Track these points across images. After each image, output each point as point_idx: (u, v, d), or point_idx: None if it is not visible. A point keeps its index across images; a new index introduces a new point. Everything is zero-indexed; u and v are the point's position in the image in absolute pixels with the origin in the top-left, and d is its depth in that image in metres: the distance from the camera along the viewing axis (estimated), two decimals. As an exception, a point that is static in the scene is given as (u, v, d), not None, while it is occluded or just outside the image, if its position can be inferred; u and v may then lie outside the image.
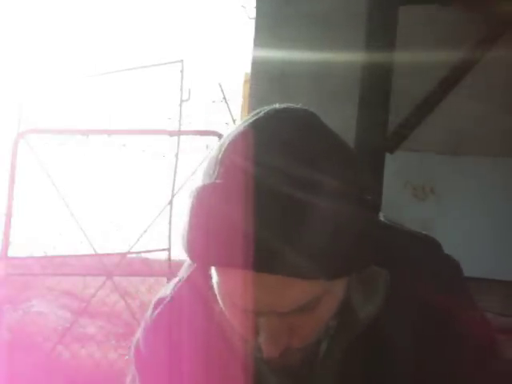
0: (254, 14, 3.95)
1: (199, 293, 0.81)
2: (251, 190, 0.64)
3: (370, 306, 0.78)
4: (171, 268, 4.13)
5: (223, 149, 0.70)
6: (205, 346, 0.83)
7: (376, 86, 2.46)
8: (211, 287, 0.74)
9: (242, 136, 0.70)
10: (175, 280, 0.90)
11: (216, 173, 0.68)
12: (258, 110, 0.73)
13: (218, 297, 0.73)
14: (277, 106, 0.73)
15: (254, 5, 3.93)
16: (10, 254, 3.66)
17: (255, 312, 0.69)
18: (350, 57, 2.86)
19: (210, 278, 0.75)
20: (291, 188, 0.64)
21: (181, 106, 5.65)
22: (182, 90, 5.65)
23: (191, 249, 0.69)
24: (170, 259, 4.44)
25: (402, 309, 0.79)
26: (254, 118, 0.71)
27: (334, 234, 0.64)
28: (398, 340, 0.80)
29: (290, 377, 0.81)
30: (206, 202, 0.67)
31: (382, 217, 0.88)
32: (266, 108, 0.73)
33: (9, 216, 3.53)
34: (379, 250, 0.75)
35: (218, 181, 0.67)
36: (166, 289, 0.91)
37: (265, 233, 0.63)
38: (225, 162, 0.68)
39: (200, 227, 0.67)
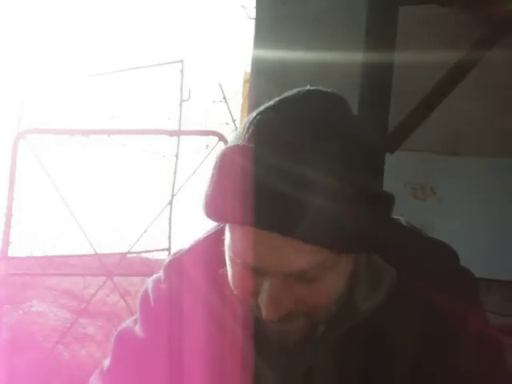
0: (253, 14, 3.96)
1: (207, 257, 0.88)
2: (272, 153, 0.69)
3: (372, 300, 0.81)
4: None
5: (254, 114, 0.75)
6: (208, 309, 0.87)
7: (376, 86, 2.46)
8: (220, 253, 0.80)
9: (272, 109, 0.74)
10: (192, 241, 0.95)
11: (243, 136, 0.73)
12: (295, 90, 0.78)
13: (227, 256, 0.77)
14: (309, 87, 0.78)
15: (254, 5, 3.93)
16: (10, 253, 3.66)
17: (261, 271, 0.72)
18: (349, 57, 2.86)
19: (221, 243, 0.80)
20: (308, 157, 0.69)
21: (181, 105, 5.65)
22: (181, 90, 5.65)
23: (208, 205, 0.74)
24: (170, 259, 4.43)
25: (407, 308, 0.81)
26: (288, 95, 0.77)
27: (343, 208, 0.69)
28: (400, 337, 0.81)
29: (286, 355, 0.83)
30: (227, 160, 0.72)
31: (402, 221, 0.91)
32: (301, 88, 0.78)
33: (9, 216, 3.53)
34: (391, 248, 0.80)
35: (242, 143, 0.72)
36: (182, 248, 0.95)
37: (278, 195, 0.68)
38: (251, 128, 0.73)
39: (219, 184, 0.72)
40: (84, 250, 4.18)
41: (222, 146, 3.63)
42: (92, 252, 3.95)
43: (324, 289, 0.74)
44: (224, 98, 7.10)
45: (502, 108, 3.25)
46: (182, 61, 5.64)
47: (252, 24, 3.92)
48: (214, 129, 4.62)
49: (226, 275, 0.80)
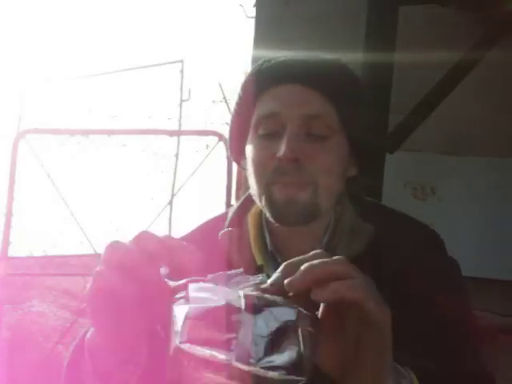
0: (252, 13, 3.96)
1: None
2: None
3: (351, 249, 0.95)
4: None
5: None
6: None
7: (376, 86, 2.46)
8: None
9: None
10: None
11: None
12: None
13: (251, 141, 0.95)
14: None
15: (253, 4, 3.93)
16: (10, 253, 3.66)
17: (284, 115, 0.91)
18: (349, 57, 2.85)
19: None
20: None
21: (181, 105, 5.66)
22: (181, 89, 5.66)
23: (247, 83, 0.97)
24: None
25: (383, 258, 0.93)
26: None
27: (350, 85, 0.94)
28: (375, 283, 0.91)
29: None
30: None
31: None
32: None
33: (9, 216, 3.53)
34: (375, 214, 0.98)
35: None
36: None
37: (301, 60, 0.94)
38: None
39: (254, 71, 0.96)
40: (84, 249, 4.18)
41: (221, 146, 3.63)
42: (92, 252, 3.94)
43: (326, 154, 0.92)
44: (224, 98, 7.09)
45: (501, 108, 3.25)
46: (182, 61, 5.65)
47: (251, 23, 3.92)
48: (214, 129, 4.61)
49: (228, 233, 0.99)
